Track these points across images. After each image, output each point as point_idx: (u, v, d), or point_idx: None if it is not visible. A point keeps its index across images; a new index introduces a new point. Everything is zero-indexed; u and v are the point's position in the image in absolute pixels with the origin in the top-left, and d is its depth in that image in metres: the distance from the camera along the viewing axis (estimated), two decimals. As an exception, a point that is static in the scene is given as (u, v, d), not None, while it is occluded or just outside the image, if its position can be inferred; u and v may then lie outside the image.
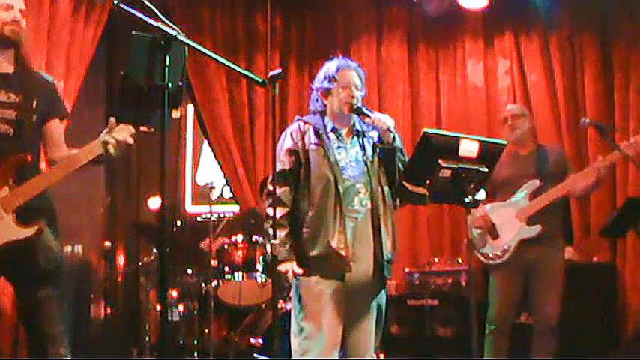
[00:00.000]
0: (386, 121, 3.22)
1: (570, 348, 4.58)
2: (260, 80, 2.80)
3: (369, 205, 3.23)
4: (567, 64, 5.65)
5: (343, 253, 3.13)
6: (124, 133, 2.83)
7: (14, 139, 2.87)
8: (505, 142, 3.12)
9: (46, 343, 2.86)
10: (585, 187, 4.18)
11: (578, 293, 4.84)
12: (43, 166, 3.07)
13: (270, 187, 3.24)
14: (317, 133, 3.29)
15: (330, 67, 3.37)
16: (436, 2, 5.87)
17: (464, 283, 5.20)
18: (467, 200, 2.79)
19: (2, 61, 2.93)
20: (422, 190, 2.90)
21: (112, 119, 2.83)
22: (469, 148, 2.82)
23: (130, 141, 2.85)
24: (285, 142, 3.31)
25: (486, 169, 2.85)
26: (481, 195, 2.85)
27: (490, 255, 4.21)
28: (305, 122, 3.35)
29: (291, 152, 3.28)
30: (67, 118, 3.17)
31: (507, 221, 4.20)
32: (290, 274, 3.15)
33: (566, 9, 5.68)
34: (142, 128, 2.74)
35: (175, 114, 2.67)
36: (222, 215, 6.00)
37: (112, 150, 2.83)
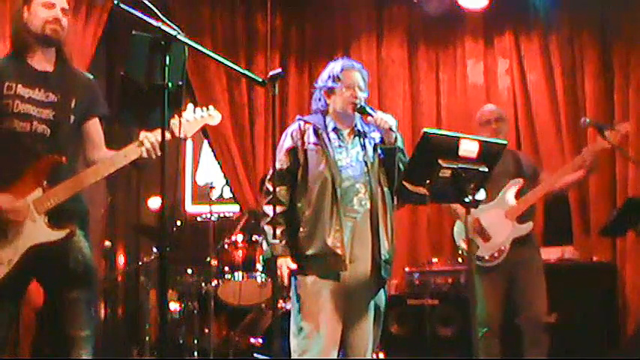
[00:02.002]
0: (388, 120, 3.22)
1: (570, 348, 4.59)
2: (260, 80, 2.80)
3: (369, 205, 3.23)
4: (567, 64, 5.65)
5: (339, 252, 3.13)
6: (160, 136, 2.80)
7: (51, 139, 2.83)
8: (505, 142, 3.12)
9: (70, 346, 2.83)
10: (572, 180, 4.22)
11: (578, 293, 4.85)
12: (78, 167, 3.00)
13: (268, 186, 3.27)
14: (316, 133, 3.29)
15: (334, 67, 3.39)
16: (436, 2, 5.86)
17: (464, 283, 5.19)
18: (467, 200, 2.79)
19: (42, 60, 2.89)
20: (422, 190, 2.89)
21: (143, 133, 2.81)
22: (469, 147, 2.82)
23: (154, 141, 2.80)
24: (286, 141, 3.32)
25: (486, 169, 2.85)
26: (481, 195, 2.84)
27: (486, 257, 4.19)
28: (305, 122, 3.35)
29: (290, 151, 3.29)
30: (107, 118, 3.11)
31: (498, 222, 4.19)
32: (284, 270, 3.16)
33: (566, 9, 5.68)
34: (175, 132, 2.74)
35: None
36: (222, 215, 6.00)
37: (145, 154, 2.80)
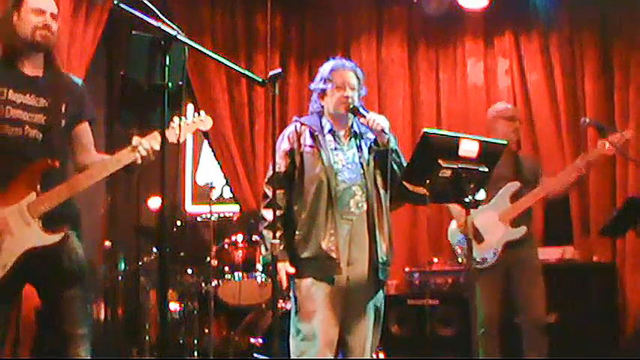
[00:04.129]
0: (380, 122, 3.20)
1: (570, 348, 4.58)
2: (260, 80, 2.80)
3: (365, 208, 3.23)
4: (567, 64, 5.65)
5: (334, 255, 3.13)
6: (154, 141, 2.81)
7: (43, 143, 2.84)
8: (505, 142, 3.11)
9: (68, 344, 2.84)
10: (567, 185, 4.24)
11: (578, 293, 4.85)
12: (70, 171, 3.02)
13: (266, 189, 3.27)
14: (312, 135, 3.29)
15: (325, 68, 3.38)
16: (436, 2, 5.87)
17: (464, 283, 5.19)
18: (467, 200, 2.79)
19: (32, 65, 2.90)
20: (422, 190, 2.89)
21: (136, 138, 2.82)
22: (469, 147, 2.82)
23: (157, 147, 2.80)
24: (283, 143, 3.31)
25: (486, 169, 2.85)
26: (481, 195, 2.84)
27: (478, 259, 4.19)
28: (302, 124, 3.35)
29: (287, 154, 3.28)
30: (99, 122, 3.14)
31: (491, 224, 4.20)
32: (283, 274, 3.16)
33: (566, 9, 5.69)
34: (169, 137, 2.74)
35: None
36: (222, 215, 6.00)
37: (139, 160, 2.81)
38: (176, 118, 2.82)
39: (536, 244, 4.42)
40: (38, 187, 2.78)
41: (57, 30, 2.92)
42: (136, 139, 2.83)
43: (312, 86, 3.42)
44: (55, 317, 2.87)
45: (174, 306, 5.20)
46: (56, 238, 2.78)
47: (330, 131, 3.32)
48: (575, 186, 4.40)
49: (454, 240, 4.40)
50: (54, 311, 2.87)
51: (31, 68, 2.90)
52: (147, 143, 2.81)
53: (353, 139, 3.34)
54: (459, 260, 4.48)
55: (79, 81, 3.09)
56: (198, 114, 3.04)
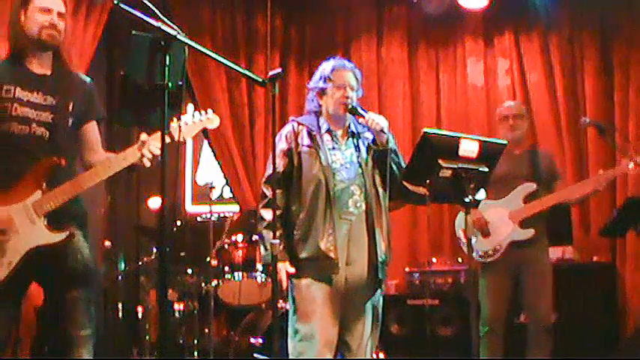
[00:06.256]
0: (379, 121, 3.19)
1: (570, 348, 4.59)
2: (260, 80, 2.80)
3: (364, 207, 3.22)
4: (567, 64, 5.65)
5: (332, 255, 3.12)
6: (159, 143, 2.81)
7: (49, 142, 2.84)
8: (505, 142, 3.11)
9: (70, 346, 2.83)
10: (581, 195, 4.24)
11: (578, 293, 4.86)
12: (76, 169, 3.01)
13: (265, 189, 3.26)
14: (310, 135, 3.28)
15: (325, 67, 3.37)
16: (436, 2, 5.87)
17: (464, 283, 5.19)
18: (467, 200, 2.79)
19: (40, 64, 2.90)
20: (422, 190, 2.89)
21: (144, 135, 2.82)
22: (469, 147, 2.82)
23: (157, 152, 2.81)
24: (280, 143, 3.30)
25: (486, 169, 2.85)
26: (481, 195, 2.85)
27: (480, 253, 4.20)
28: (299, 123, 3.34)
29: (285, 154, 3.28)
30: (104, 121, 3.12)
31: (500, 220, 4.20)
32: (283, 275, 3.16)
33: (566, 9, 5.69)
34: (175, 136, 2.75)
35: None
36: (222, 215, 6.00)
37: (147, 163, 2.82)
38: (184, 116, 2.82)
39: (547, 246, 4.36)
40: (44, 185, 2.78)
41: (64, 29, 2.92)
42: (143, 136, 2.82)
43: (311, 85, 3.41)
44: (58, 318, 2.86)
45: (177, 306, 5.20)
46: (61, 236, 2.78)
47: (328, 131, 3.31)
48: (589, 198, 4.41)
49: (460, 230, 4.38)
50: (57, 311, 2.87)
51: (39, 67, 2.90)
52: (154, 147, 2.80)
53: (351, 138, 3.34)
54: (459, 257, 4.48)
55: (87, 80, 3.08)
56: (205, 112, 3.03)
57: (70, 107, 2.90)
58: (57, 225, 2.78)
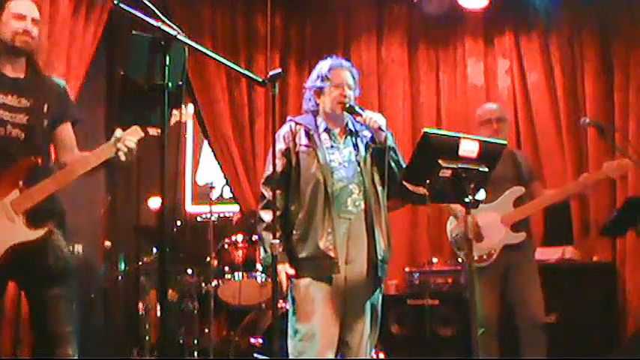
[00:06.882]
0: (377, 119, 3.20)
1: (570, 348, 4.58)
2: (260, 80, 2.80)
3: (363, 206, 3.22)
4: (567, 64, 5.65)
5: (332, 254, 3.12)
6: (134, 137, 2.84)
7: (25, 142, 2.88)
8: (505, 142, 3.11)
9: (55, 344, 2.86)
10: (568, 197, 4.42)
11: (578, 293, 4.85)
12: (53, 169, 3.06)
13: (263, 190, 3.26)
14: (308, 134, 3.28)
15: (322, 66, 3.38)
16: (436, 2, 5.87)
17: (464, 283, 5.19)
18: (467, 200, 2.79)
19: (13, 67, 2.95)
20: (422, 190, 2.89)
21: (119, 130, 2.85)
22: (469, 147, 2.82)
23: (134, 147, 2.87)
24: (278, 143, 3.29)
25: (486, 169, 2.85)
26: (481, 195, 2.84)
27: (475, 258, 4.19)
28: (297, 123, 3.34)
29: (283, 154, 3.27)
30: (79, 122, 3.16)
31: (492, 225, 4.22)
32: (283, 276, 3.16)
33: (566, 9, 5.69)
34: (150, 131, 2.76)
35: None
36: (222, 215, 6.00)
37: (122, 157, 2.85)
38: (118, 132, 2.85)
39: (534, 247, 4.45)
40: (21, 184, 2.82)
41: (38, 35, 2.97)
42: (119, 131, 2.86)
43: (308, 84, 3.41)
44: (41, 317, 2.89)
45: (177, 306, 5.20)
46: (40, 232, 2.82)
47: (326, 130, 3.31)
48: (577, 197, 4.51)
49: (451, 235, 4.41)
50: (39, 311, 2.90)
51: (13, 71, 2.95)
52: (130, 142, 2.84)
53: (349, 137, 3.34)
54: (458, 258, 4.49)
55: (61, 82, 3.14)
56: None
57: (45, 109, 2.95)
58: (36, 222, 2.82)
